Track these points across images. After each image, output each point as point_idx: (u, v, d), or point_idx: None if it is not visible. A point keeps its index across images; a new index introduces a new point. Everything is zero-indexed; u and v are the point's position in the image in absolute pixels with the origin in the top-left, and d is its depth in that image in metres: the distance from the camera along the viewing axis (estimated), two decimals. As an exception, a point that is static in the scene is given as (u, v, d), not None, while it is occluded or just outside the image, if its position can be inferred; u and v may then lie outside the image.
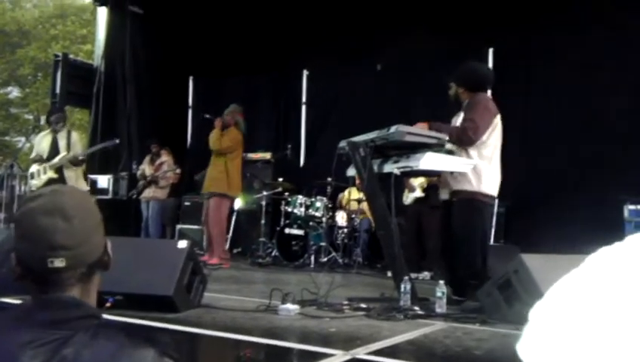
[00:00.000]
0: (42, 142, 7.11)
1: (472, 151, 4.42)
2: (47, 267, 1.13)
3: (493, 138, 4.48)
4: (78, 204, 1.20)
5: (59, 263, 1.14)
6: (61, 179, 6.84)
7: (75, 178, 7.00)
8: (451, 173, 4.43)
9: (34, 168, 6.98)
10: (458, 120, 4.63)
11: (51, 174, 6.83)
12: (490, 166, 4.48)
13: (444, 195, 4.64)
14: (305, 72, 9.62)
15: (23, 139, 27.14)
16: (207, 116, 7.24)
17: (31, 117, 26.13)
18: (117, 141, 7.59)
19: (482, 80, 4.77)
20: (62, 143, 6.94)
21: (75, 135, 7.20)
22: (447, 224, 4.59)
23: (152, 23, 10.04)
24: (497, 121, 4.51)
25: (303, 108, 9.64)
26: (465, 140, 4.39)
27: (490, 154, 4.47)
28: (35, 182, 6.92)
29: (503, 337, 3.43)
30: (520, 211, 7.40)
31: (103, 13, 10.24)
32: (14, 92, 27.09)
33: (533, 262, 3.80)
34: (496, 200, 6.13)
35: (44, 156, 6.94)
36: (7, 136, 26.95)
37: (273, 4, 9.40)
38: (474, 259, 4.36)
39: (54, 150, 6.94)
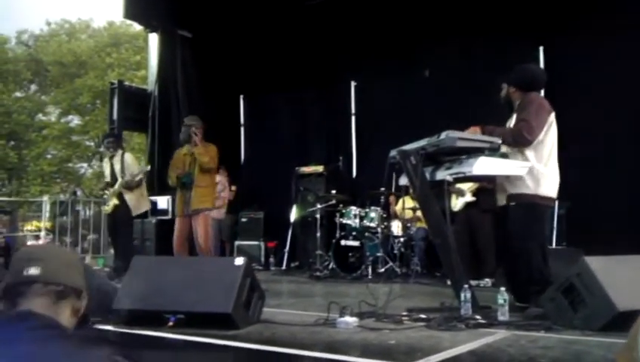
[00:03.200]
0: (105, 168, 7.48)
1: (529, 153, 4.30)
2: (23, 275, 1.22)
3: (549, 137, 4.35)
4: (56, 253, 1.35)
5: (34, 271, 1.23)
6: (123, 204, 7.10)
7: (135, 200, 7.24)
8: (507, 176, 4.33)
9: (105, 195, 7.37)
10: (512, 122, 4.53)
11: (115, 201, 7.11)
12: (548, 167, 4.36)
13: (501, 200, 4.54)
14: (352, 83, 9.64)
15: (85, 165, 28.21)
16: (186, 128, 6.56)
17: (92, 143, 27.17)
18: (147, 168, 7.76)
19: (535, 80, 4.66)
20: (117, 167, 7.22)
21: (128, 157, 7.35)
22: (506, 229, 4.48)
23: (201, 45, 10.30)
24: (552, 119, 4.38)
25: (353, 119, 9.65)
26: (520, 141, 4.29)
27: (547, 154, 4.34)
28: (106, 208, 7.35)
29: (569, 344, 3.32)
30: (581, 212, 7.16)
31: (154, 39, 10.56)
32: (75, 120, 28.23)
33: (597, 264, 3.67)
34: (556, 202, 5.96)
35: (109, 181, 7.27)
36: (70, 163, 28.05)
37: (316, 18, 9.48)
38: (535, 264, 4.23)
39: (113, 175, 7.22)
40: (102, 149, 7.86)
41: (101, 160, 8.60)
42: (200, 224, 6.46)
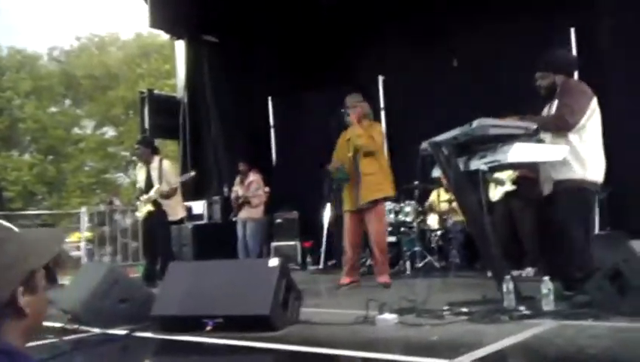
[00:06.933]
0: (139, 174, 7.43)
1: (572, 137, 4.16)
2: None
3: (592, 122, 4.21)
4: None
5: None
6: (159, 210, 7.08)
7: (173, 206, 7.23)
8: (552, 164, 4.18)
9: (138, 201, 7.33)
10: (550, 110, 4.39)
11: (150, 207, 7.08)
12: (594, 151, 4.22)
13: (547, 189, 4.38)
14: (380, 78, 9.53)
15: (121, 174, 28.73)
16: (343, 110, 6.26)
17: (127, 153, 27.63)
18: (192, 174, 7.68)
19: (571, 64, 4.54)
20: (154, 174, 7.16)
21: (166, 164, 7.26)
22: (551, 217, 4.35)
23: (226, 50, 10.35)
24: (594, 105, 4.25)
25: (382, 113, 9.54)
26: (563, 125, 4.16)
27: (591, 139, 4.20)
28: (139, 214, 7.31)
29: (618, 332, 3.19)
30: (623, 197, 6.92)
31: (180, 46, 10.66)
32: (110, 131, 28.76)
33: (645, 248, 3.54)
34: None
35: (142, 188, 7.24)
36: (107, 174, 28.58)
37: (340, 15, 9.42)
38: (581, 251, 4.10)
39: (149, 181, 7.19)
40: (134, 158, 7.90)
41: (134, 168, 8.68)
42: (373, 219, 5.89)
